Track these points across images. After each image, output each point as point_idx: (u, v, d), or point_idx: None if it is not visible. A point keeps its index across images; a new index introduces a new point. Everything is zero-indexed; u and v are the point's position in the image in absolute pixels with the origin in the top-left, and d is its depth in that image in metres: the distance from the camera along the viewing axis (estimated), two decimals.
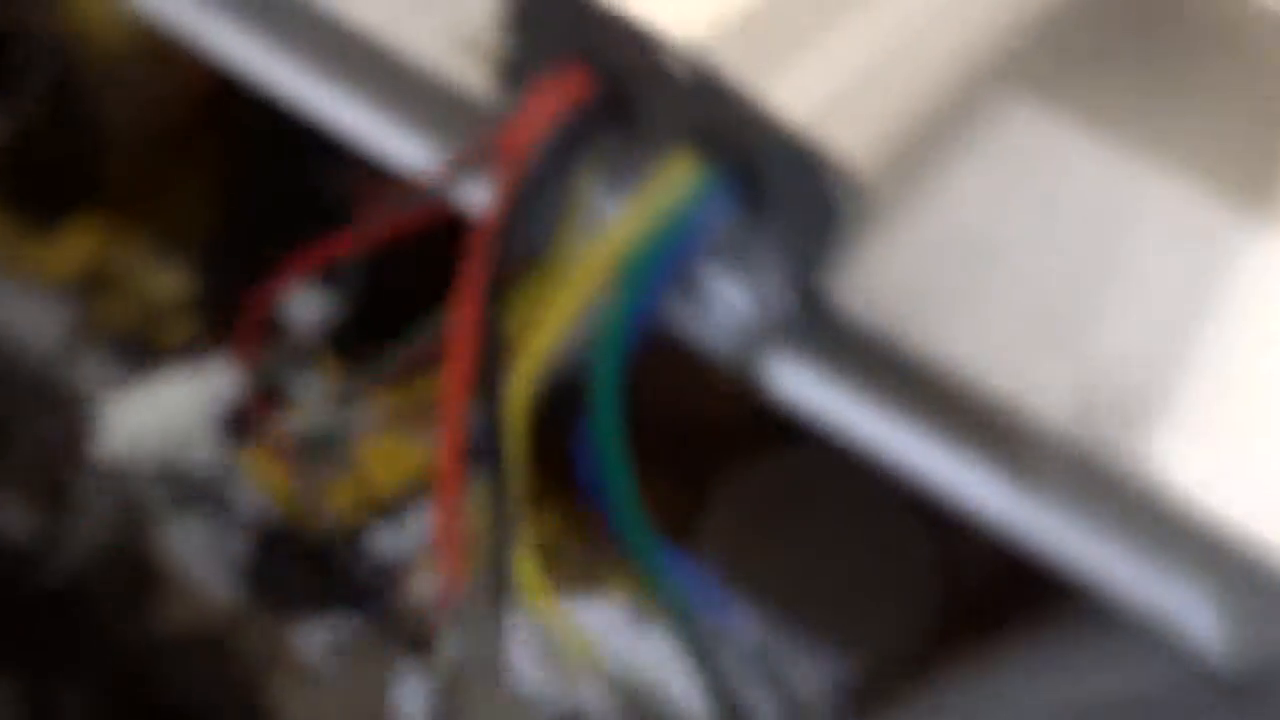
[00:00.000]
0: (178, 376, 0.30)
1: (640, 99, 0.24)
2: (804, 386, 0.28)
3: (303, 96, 0.30)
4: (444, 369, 0.24)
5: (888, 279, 0.27)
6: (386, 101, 0.29)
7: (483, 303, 0.24)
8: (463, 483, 0.25)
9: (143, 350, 0.50)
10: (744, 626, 0.30)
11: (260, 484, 0.48)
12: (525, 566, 0.26)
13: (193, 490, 0.54)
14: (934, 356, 0.26)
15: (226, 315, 0.39)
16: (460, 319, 0.24)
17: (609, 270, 0.24)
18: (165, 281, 0.50)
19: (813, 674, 0.34)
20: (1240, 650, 0.28)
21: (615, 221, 0.25)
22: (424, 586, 0.47)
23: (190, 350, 0.46)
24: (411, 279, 0.30)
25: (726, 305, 0.26)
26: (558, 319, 0.24)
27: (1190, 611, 0.28)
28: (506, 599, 0.26)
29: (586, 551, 0.44)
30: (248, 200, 0.49)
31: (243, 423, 0.30)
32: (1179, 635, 0.28)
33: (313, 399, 0.29)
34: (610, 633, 0.45)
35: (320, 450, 0.35)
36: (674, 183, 0.24)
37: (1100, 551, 0.28)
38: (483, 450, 0.25)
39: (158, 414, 0.30)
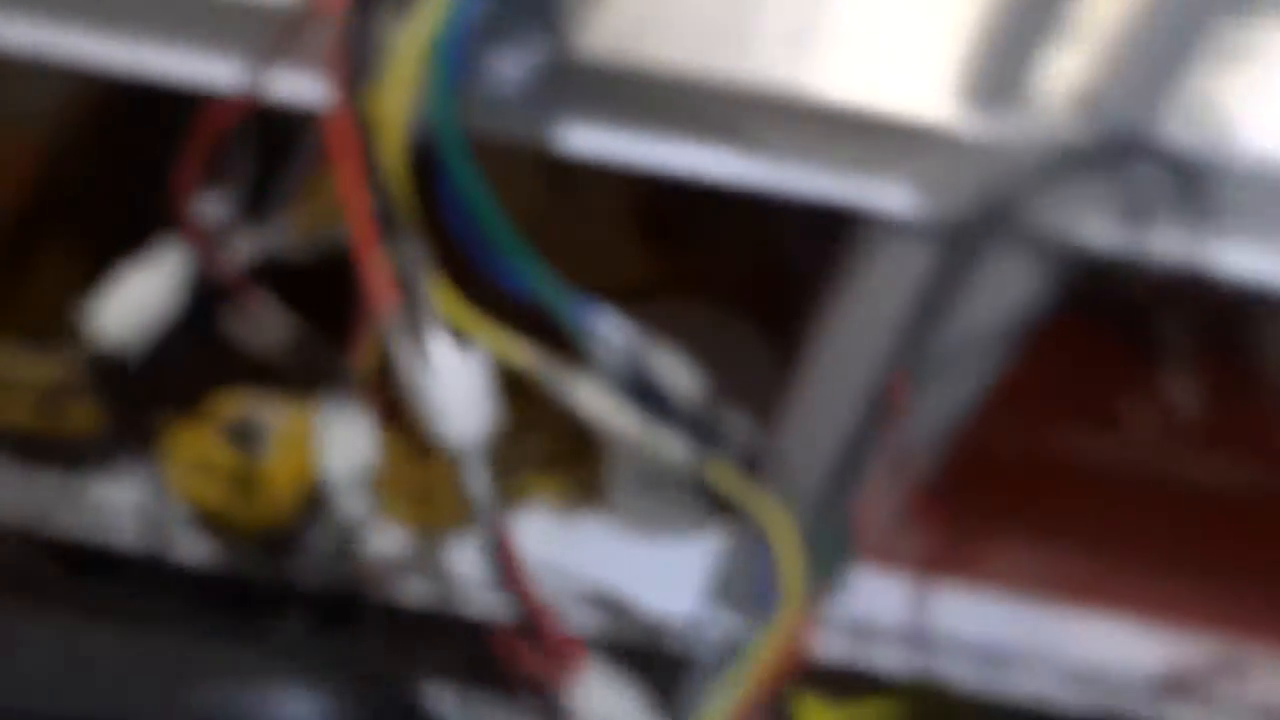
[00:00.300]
0: (138, 264, 0.39)
1: None
2: (580, 132, 0.39)
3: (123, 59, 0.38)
4: (336, 167, 0.34)
5: (613, 19, 0.37)
6: (195, 35, 0.38)
7: (350, 111, 0.34)
8: (377, 239, 0.34)
9: (52, 444, 0.53)
10: (616, 331, 0.40)
11: (187, 494, 0.52)
12: (440, 290, 0.35)
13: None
14: (664, 66, 0.37)
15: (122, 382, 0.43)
16: (336, 127, 0.34)
17: (418, 64, 0.34)
18: (49, 368, 0.51)
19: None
20: (929, 208, 0.40)
21: (408, 31, 0.35)
22: None
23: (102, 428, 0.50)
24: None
25: (503, 78, 0.36)
26: (398, 105, 0.34)
27: (889, 192, 0.40)
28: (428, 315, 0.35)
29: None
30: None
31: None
32: (886, 213, 0.40)
33: (247, 233, 0.38)
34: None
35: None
36: None
37: (806, 173, 0.39)
38: (384, 217, 0.34)
39: (136, 300, 0.38)
